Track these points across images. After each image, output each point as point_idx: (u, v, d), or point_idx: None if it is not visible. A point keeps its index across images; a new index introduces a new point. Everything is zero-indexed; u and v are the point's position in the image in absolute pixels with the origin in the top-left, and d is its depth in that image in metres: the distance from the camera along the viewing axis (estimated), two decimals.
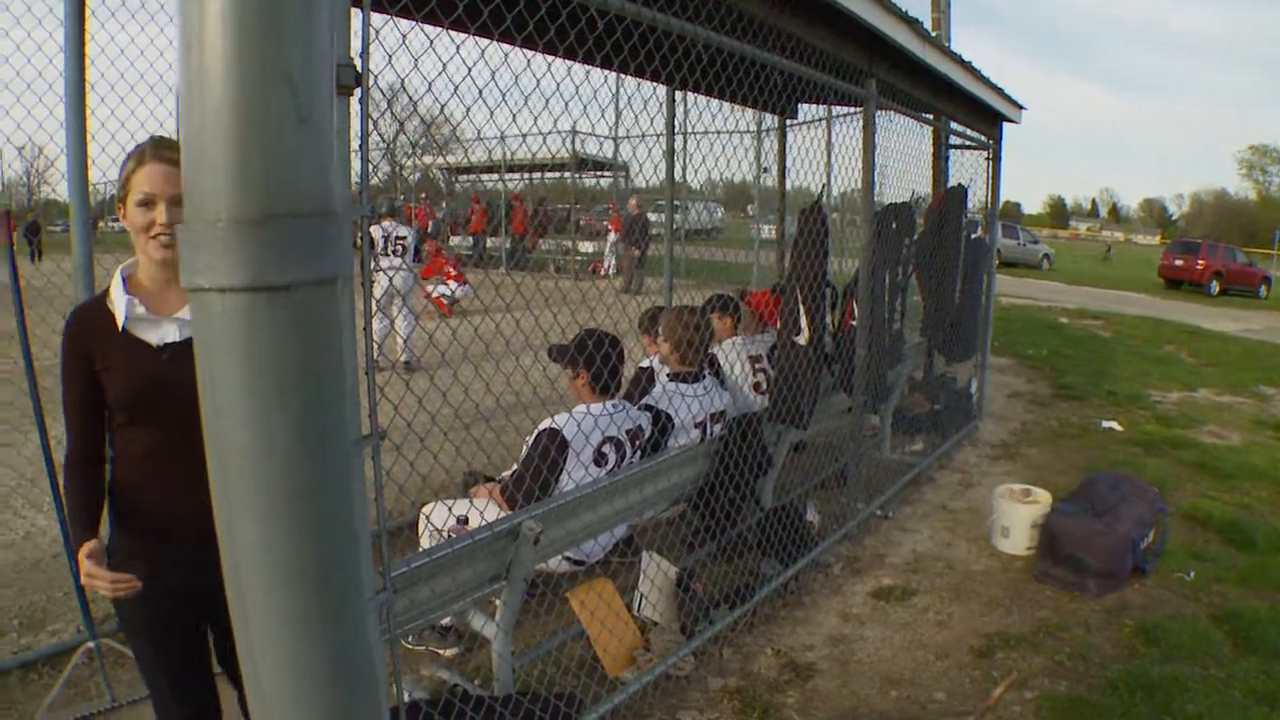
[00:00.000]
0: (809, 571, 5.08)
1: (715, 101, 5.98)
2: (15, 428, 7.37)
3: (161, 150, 2.34)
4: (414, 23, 3.17)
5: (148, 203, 2.31)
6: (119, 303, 2.37)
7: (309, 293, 0.65)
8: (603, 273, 21.98)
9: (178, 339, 2.39)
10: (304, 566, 0.70)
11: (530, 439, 4.07)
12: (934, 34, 6.15)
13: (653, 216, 19.34)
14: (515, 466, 4.13)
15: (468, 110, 2.85)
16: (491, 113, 2.96)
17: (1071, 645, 4.38)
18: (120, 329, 2.35)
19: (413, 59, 2.59)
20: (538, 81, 3.05)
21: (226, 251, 0.64)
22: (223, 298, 0.64)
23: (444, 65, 2.76)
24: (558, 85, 3.22)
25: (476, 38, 3.22)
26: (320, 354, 0.67)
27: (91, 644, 3.91)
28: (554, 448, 3.94)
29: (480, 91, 2.90)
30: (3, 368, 7.97)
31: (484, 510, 3.51)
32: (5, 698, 3.96)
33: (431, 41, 2.67)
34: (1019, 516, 5.50)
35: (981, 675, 4.13)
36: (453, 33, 2.85)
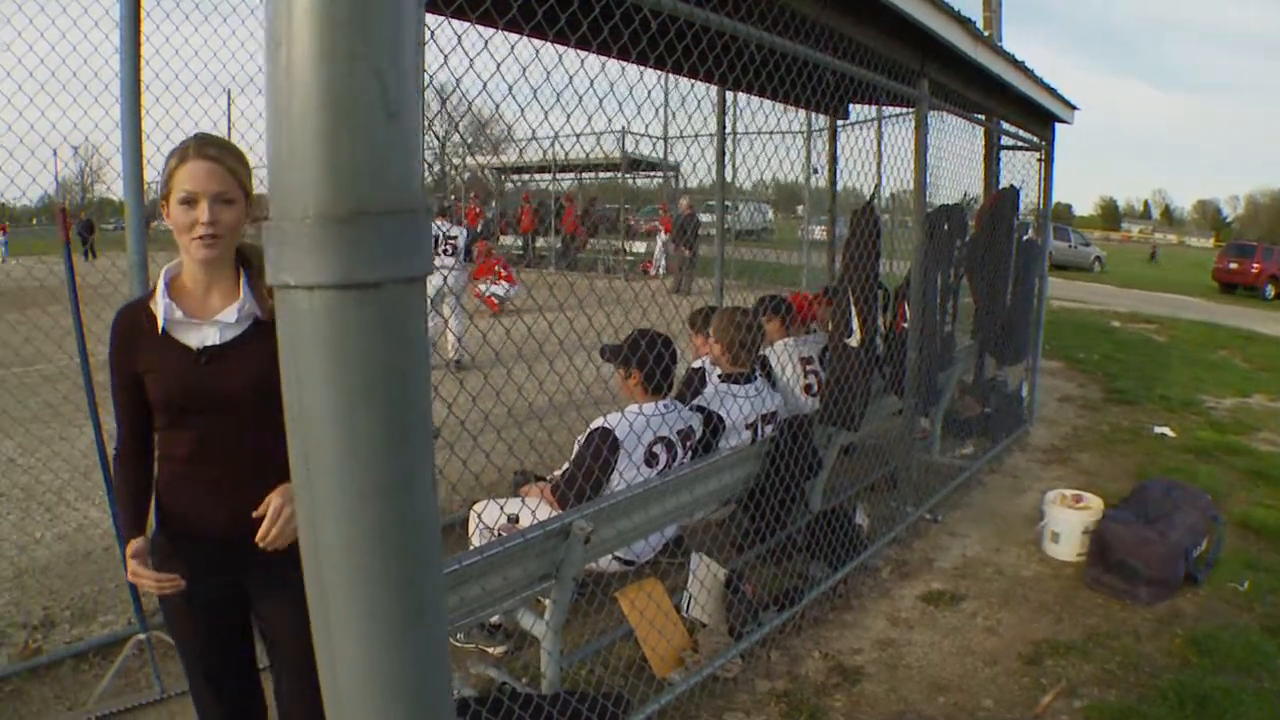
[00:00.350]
0: (857, 575, 5.06)
1: (763, 102, 5.96)
2: (70, 422, 7.51)
3: (204, 147, 2.30)
4: (468, 23, 3.19)
5: (190, 201, 2.27)
6: (160, 305, 2.36)
7: (397, 290, 0.66)
8: (653, 273, 21.98)
9: (217, 342, 2.37)
10: (387, 566, 0.71)
11: (582, 438, 4.08)
12: (986, 33, 6.09)
13: (703, 217, 19.28)
14: (566, 465, 4.13)
15: (521, 111, 2.86)
16: (546, 113, 2.97)
17: (1122, 654, 4.32)
18: (160, 331, 2.34)
19: (467, 60, 2.61)
20: (591, 83, 3.06)
21: (315, 249, 0.64)
22: (310, 295, 0.64)
23: (498, 66, 2.78)
24: (611, 86, 3.22)
25: (530, 38, 3.23)
26: (406, 352, 0.68)
27: (142, 636, 3.96)
28: (606, 447, 3.95)
29: (535, 92, 2.91)
30: (59, 363, 8.14)
31: (535, 509, 3.52)
32: (57, 687, 4.03)
33: (487, 42, 2.69)
34: (1070, 522, 5.43)
35: (1030, 683, 4.09)
36: (507, 33, 2.87)
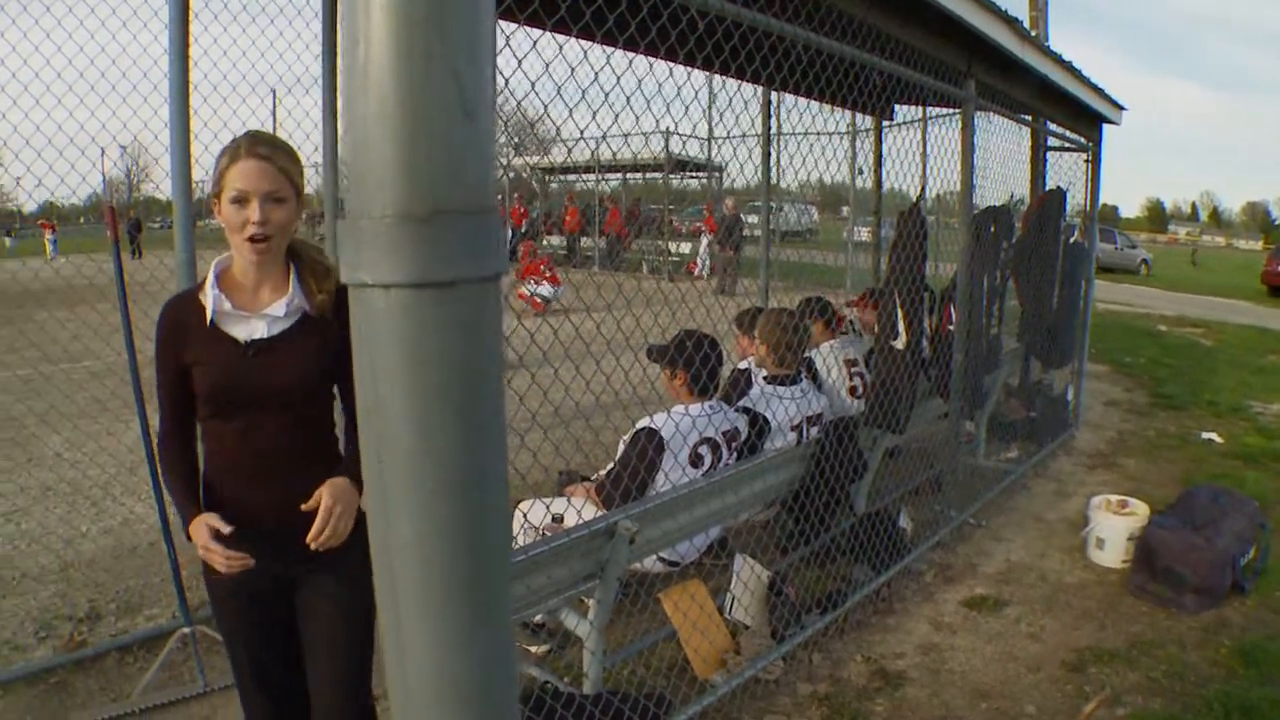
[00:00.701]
0: (901, 578, 5.03)
1: (808, 102, 5.93)
2: (118, 417, 7.62)
3: (255, 145, 2.29)
4: (517, 25, 3.21)
5: (241, 200, 2.27)
6: (209, 296, 2.36)
7: (473, 290, 0.66)
8: (696, 273, 21.96)
9: (265, 336, 2.38)
10: (458, 563, 0.71)
11: (627, 438, 4.08)
12: (1033, 33, 6.03)
13: (749, 218, 19.22)
14: (612, 465, 4.14)
15: (570, 111, 2.86)
16: (594, 114, 2.96)
17: (1167, 663, 4.26)
18: (209, 323, 2.35)
19: (515, 60, 2.62)
20: (639, 83, 3.06)
21: (392, 248, 0.64)
22: (386, 294, 0.65)
23: (547, 66, 2.78)
24: (659, 86, 3.22)
25: (578, 39, 3.24)
26: (481, 351, 0.68)
27: (186, 630, 4.01)
28: (651, 447, 3.95)
29: (583, 93, 2.91)
30: (107, 359, 8.25)
31: (581, 509, 3.53)
32: (102, 679, 4.09)
33: (535, 43, 2.70)
34: (1115, 528, 5.36)
35: (1074, 690, 4.04)
36: (554, 34, 2.87)
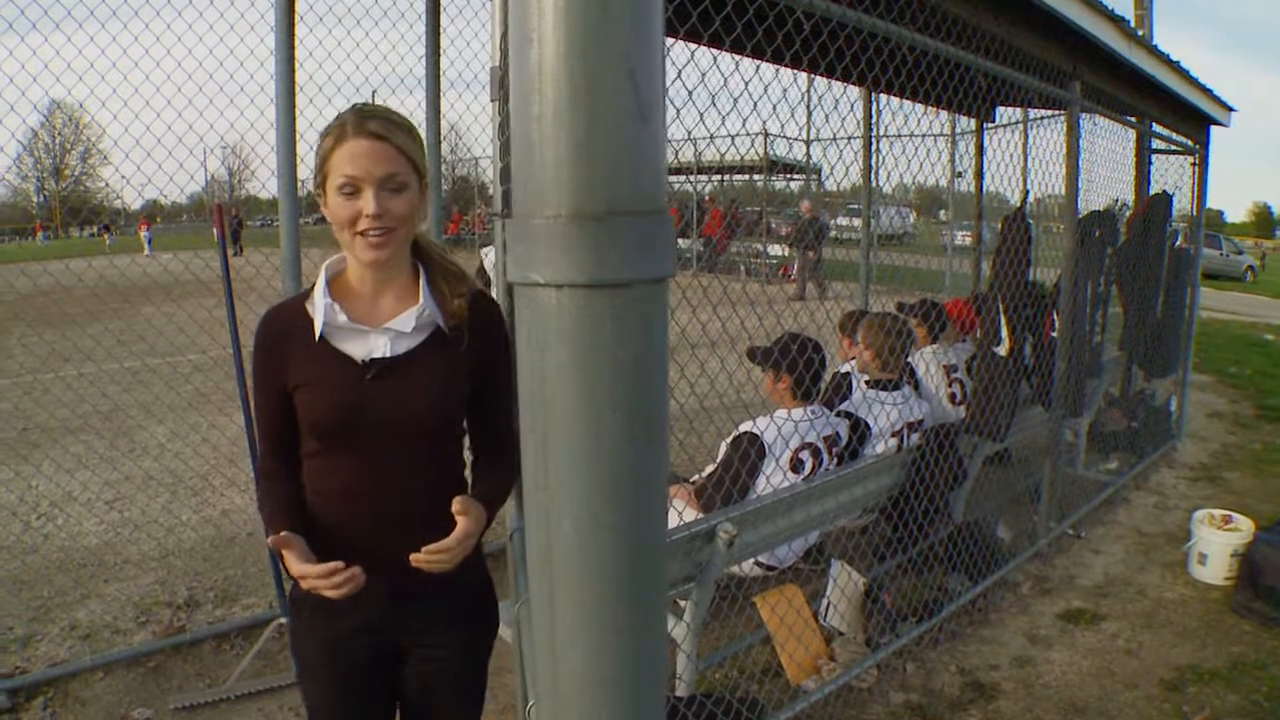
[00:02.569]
0: (997, 589, 4.95)
1: (903, 104, 5.86)
2: (220, 410, 7.84)
3: (365, 121, 1.89)
4: None
5: (352, 189, 1.89)
6: (319, 307, 1.98)
7: (645, 290, 0.66)
8: (792, 276, 21.85)
9: (388, 354, 1.98)
10: (618, 560, 0.71)
11: (729, 441, 4.08)
12: (1139, 32, 5.87)
13: (844, 221, 19.00)
14: (712, 467, 4.13)
15: (678, 113, 2.84)
16: (701, 115, 2.96)
17: (1269, 685, 4.13)
18: (318, 338, 1.97)
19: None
20: (745, 85, 3.04)
21: (566, 247, 0.64)
22: (559, 293, 0.65)
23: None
24: (765, 88, 3.20)
25: (685, 41, 3.24)
26: (651, 350, 0.68)
27: (283, 620, 4.10)
28: (753, 451, 3.93)
29: (691, 94, 2.90)
30: (211, 353, 8.48)
31: (681, 511, 3.53)
32: (199, 664, 4.21)
33: None
34: (1218, 544, 5.20)
35: (1171, 709, 3.94)
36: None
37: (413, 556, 1.86)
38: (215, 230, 4.22)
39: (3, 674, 4.07)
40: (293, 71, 3.76)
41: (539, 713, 0.79)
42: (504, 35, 2.83)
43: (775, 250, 24.07)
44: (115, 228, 36.15)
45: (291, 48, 3.75)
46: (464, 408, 2.11)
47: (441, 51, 4.38)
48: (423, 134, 4.38)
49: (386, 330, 1.99)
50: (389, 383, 1.97)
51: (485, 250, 5.96)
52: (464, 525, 1.89)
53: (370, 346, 1.99)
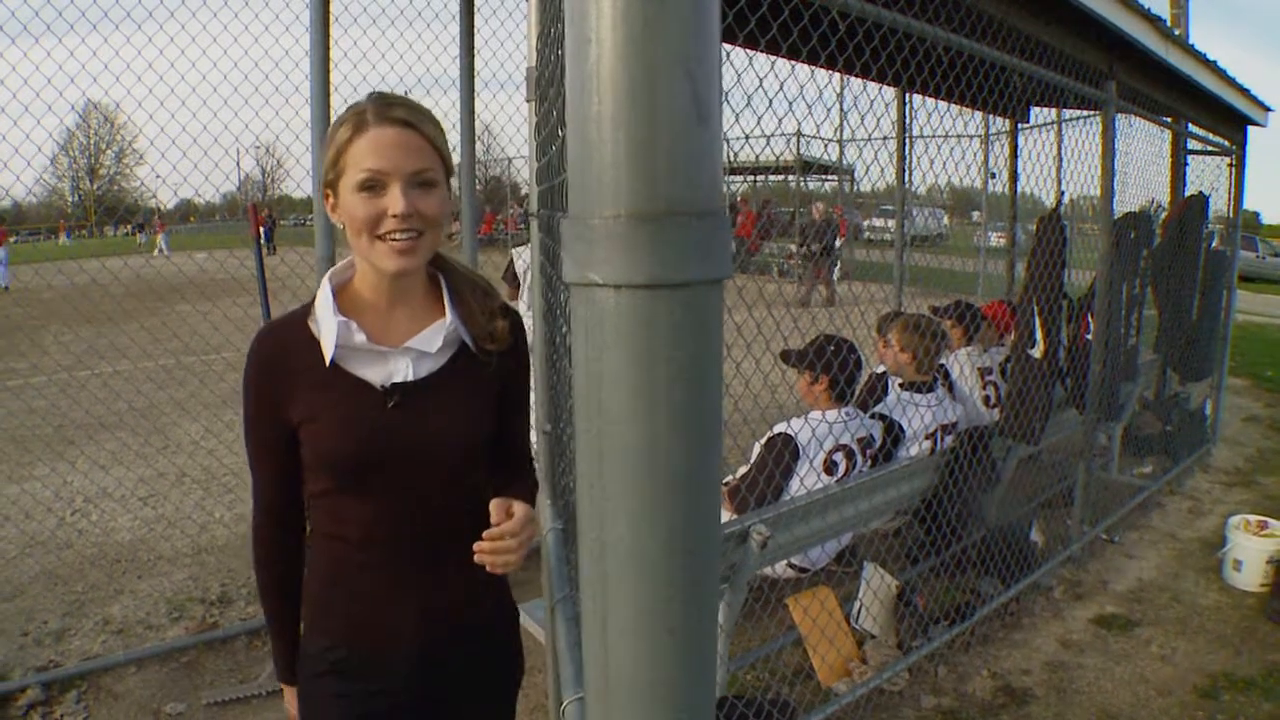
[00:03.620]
0: (1029, 593, 4.92)
1: (936, 104, 5.84)
2: None
3: (390, 109, 1.65)
4: None
5: (374, 184, 1.63)
6: (327, 325, 1.70)
7: (703, 291, 0.66)
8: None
9: (410, 378, 1.74)
10: (673, 563, 0.71)
11: (762, 442, 4.08)
12: (1175, 31, 5.82)
13: (879, 222, 18.89)
14: (745, 468, 4.13)
15: (724, 114, 2.79)
16: (737, 116, 2.95)
17: None
18: (328, 362, 1.70)
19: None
20: (781, 86, 3.04)
21: (625, 248, 0.64)
22: (617, 294, 0.65)
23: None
24: (801, 89, 3.20)
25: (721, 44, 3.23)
26: (707, 353, 0.68)
27: None
28: (787, 453, 3.93)
29: (726, 95, 2.90)
30: (244, 350, 8.55)
31: None
32: (231, 660, 4.24)
33: None
34: (1253, 550, 5.14)
35: (1204, 717, 3.90)
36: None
37: (476, 546, 1.66)
38: (251, 230, 4.26)
39: (37, 667, 4.13)
40: (327, 72, 3.79)
41: (588, 714, 0.79)
42: (539, 36, 2.85)
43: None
44: (149, 227, 36.59)
45: (326, 48, 3.78)
46: (495, 432, 1.87)
47: (475, 52, 4.40)
48: (457, 134, 4.46)
49: (408, 350, 1.74)
50: (414, 410, 1.73)
51: (518, 250, 5.97)
52: (522, 511, 1.73)
53: (390, 370, 1.73)
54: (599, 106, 0.64)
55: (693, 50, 0.63)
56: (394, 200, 1.61)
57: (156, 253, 26.05)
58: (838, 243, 18.71)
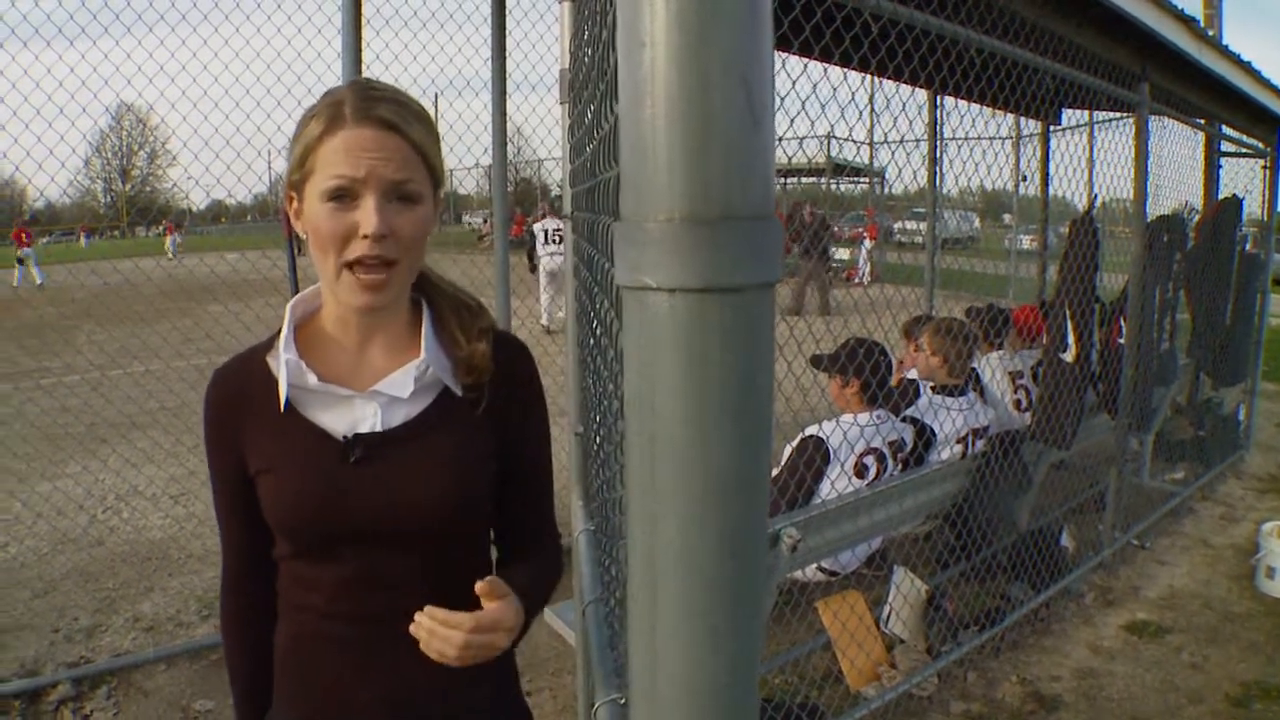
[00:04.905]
0: (1060, 599, 4.89)
1: (969, 106, 5.81)
2: None
3: (372, 104, 1.36)
4: None
5: (344, 195, 1.35)
6: (282, 364, 1.46)
7: (756, 295, 0.66)
8: (856, 280, 21.78)
9: (377, 427, 1.46)
10: (723, 566, 0.71)
11: (793, 444, 4.08)
12: (1209, 32, 5.77)
13: (911, 225, 18.82)
14: (776, 471, 4.13)
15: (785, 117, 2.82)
16: (792, 120, 2.95)
17: None
18: (284, 407, 1.45)
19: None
20: (814, 87, 3.03)
21: (680, 251, 0.65)
22: (671, 297, 0.65)
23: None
24: (833, 90, 3.20)
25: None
26: (759, 356, 0.68)
27: None
28: (818, 455, 3.93)
29: (798, 100, 2.89)
30: None
31: None
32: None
33: None
34: None
35: None
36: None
37: (416, 616, 1.33)
38: (285, 231, 4.28)
39: (68, 663, 4.17)
40: (359, 73, 3.81)
41: (634, 716, 0.80)
42: (572, 38, 2.85)
43: (841, 255, 23.99)
44: (183, 228, 37.00)
45: (358, 50, 3.80)
46: (489, 494, 1.56)
47: (507, 54, 4.42)
48: (489, 136, 4.47)
49: (375, 395, 1.47)
50: (381, 466, 1.44)
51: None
52: (495, 611, 1.34)
53: (355, 417, 1.46)
54: (653, 110, 0.64)
55: (747, 56, 0.63)
56: (366, 216, 1.34)
57: (168, 255, 26.14)
58: (835, 248, 18.50)
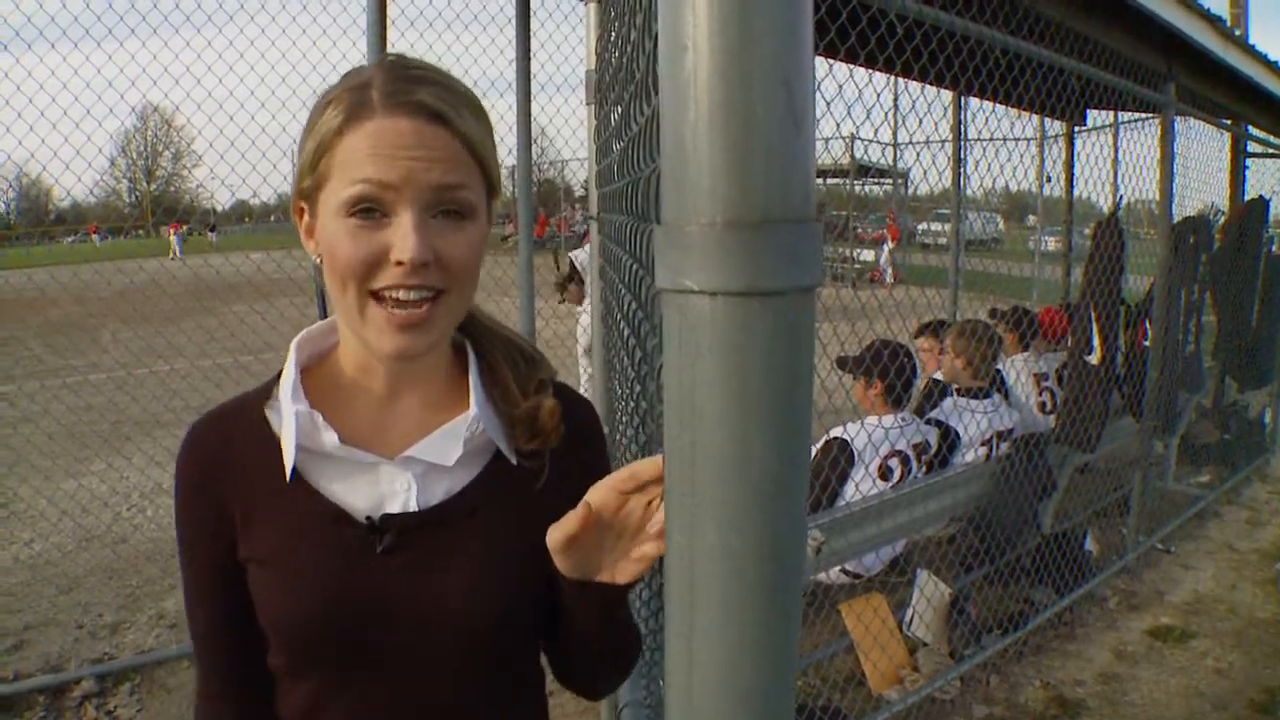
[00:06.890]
0: (1084, 603, 4.86)
1: (994, 107, 5.80)
2: None
3: (407, 86, 1.01)
4: None
5: (373, 209, 0.99)
6: (289, 418, 1.09)
7: (797, 298, 0.66)
8: (880, 280, 21.80)
9: (412, 507, 1.10)
10: (762, 569, 0.72)
11: (818, 446, 4.07)
12: (1236, 32, 5.73)
13: (935, 226, 18.81)
14: None
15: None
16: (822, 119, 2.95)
17: None
18: (289, 474, 1.09)
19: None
20: (839, 89, 3.04)
21: (722, 254, 0.65)
22: (713, 300, 0.66)
23: None
24: (859, 92, 3.19)
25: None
26: (799, 359, 0.68)
27: None
28: (843, 458, 3.93)
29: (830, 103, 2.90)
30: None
31: None
32: None
33: None
34: None
35: None
36: None
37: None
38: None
39: (92, 659, 4.20)
40: None
41: (670, 717, 0.80)
42: (598, 39, 2.86)
43: (866, 255, 23.99)
44: (215, 226, 37.29)
45: (383, 51, 3.81)
46: (547, 587, 1.12)
47: (531, 55, 4.42)
48: (514, 138, 4.47)
49: (409, 462, 1.11)
50: (418, 558, 1.09)
51: (573, 253, 6.00)
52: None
53: (382, 492, 1.10)
54: (697, 113, 0.64)
55: (788, 60, 0.63)
56: (401, 236, 0.98)
57: (172, 256, 26.07)
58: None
